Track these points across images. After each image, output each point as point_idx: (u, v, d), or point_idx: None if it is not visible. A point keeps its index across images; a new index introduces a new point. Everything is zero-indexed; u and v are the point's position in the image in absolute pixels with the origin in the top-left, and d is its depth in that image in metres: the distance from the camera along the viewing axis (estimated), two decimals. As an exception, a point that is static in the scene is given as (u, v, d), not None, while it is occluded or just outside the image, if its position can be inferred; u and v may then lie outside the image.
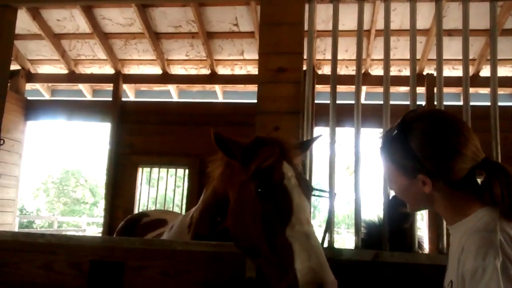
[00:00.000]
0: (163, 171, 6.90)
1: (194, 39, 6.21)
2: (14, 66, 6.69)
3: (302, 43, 2.37)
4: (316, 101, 5.34)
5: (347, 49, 5.90)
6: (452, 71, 6.05)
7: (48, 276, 2.13)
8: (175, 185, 7.26)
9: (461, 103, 2.37)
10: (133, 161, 6.65)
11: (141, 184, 6.85)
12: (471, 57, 5.60)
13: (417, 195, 1.40)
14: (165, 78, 6.79)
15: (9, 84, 5.36)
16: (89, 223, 19.44)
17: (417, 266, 1.95)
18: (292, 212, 1.56)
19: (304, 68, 2.44)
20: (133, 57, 6.71)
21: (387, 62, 2.42)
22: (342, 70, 6.31)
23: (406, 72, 6.15)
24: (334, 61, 2.45)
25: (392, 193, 2.33)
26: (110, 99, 6.85)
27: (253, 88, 6.63)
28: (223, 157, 1.87)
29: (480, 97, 6.07)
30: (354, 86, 2.44)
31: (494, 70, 2.37)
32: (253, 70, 6.59)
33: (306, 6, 2.45)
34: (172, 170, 7.01)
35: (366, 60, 6.05)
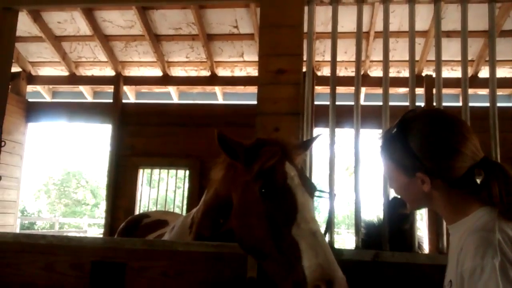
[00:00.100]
0: (164, 172, 6.91)
1: (194, 41, 6.22)
2: (15, 68, 6.72)
3: (302, 45, 2.38)
4: (315, 102, 5.33)
5: (346, 51, 5.91)
6: (451, 72, 6.05)
7: (49, 277, 2.13)
8: (175, 186, 7.28)
9: (460, 104, 2.39)
10: (134, 162, 6.67)
11: (141, 185, 6.87)
12: (469, 58, 5.63)
13: (416, 193, 1.40)
14: (166, 80, 6.80)
15: (10, 86, 5.39)
16: (90, 224, 19.41)
17: (417, 266, 1.95)
18: (297, 210, 1.57)
19: (304, 69, 2.46)
20: (133, 59, 6.72)
21: (386, 63, 2.44)
22: (341, 72, 6.32)
23: (405, 73, 6.16)
24: (334, 63, 2.46)
25: (392, 194, 2.34)
26: (111, 101, 6.86)
27: (253, 89, 6.63)
28: (225, 160, 1.87)
29: (479, 98, 6.06)
30: (353, 88, 2.46)
31: (492, 71, 2.38)
32: (253, 71, 6.60)
33: (306, 8, 2.47)
34: (172, 171, 7.02)
35: (365, 62, 6.06)
